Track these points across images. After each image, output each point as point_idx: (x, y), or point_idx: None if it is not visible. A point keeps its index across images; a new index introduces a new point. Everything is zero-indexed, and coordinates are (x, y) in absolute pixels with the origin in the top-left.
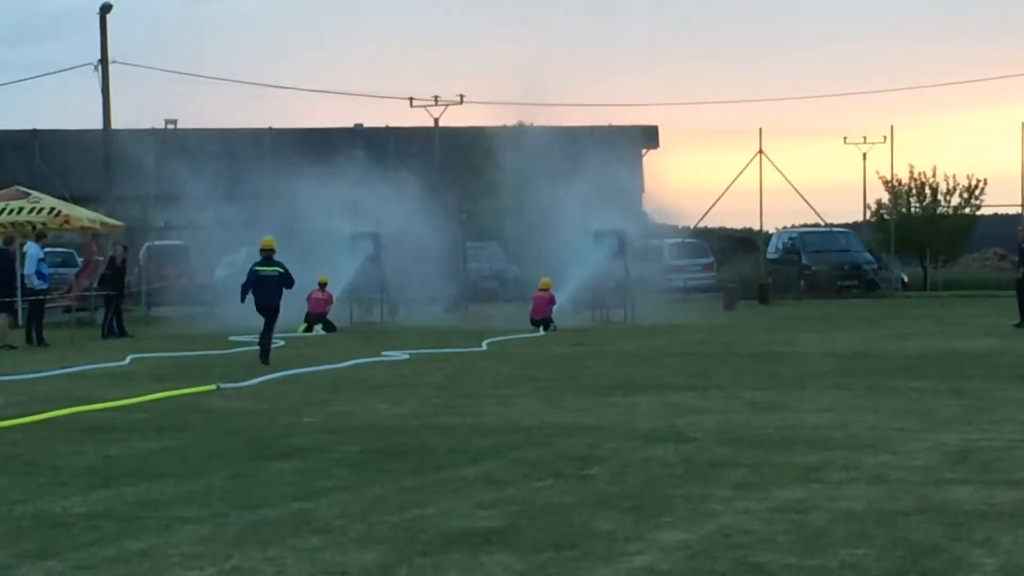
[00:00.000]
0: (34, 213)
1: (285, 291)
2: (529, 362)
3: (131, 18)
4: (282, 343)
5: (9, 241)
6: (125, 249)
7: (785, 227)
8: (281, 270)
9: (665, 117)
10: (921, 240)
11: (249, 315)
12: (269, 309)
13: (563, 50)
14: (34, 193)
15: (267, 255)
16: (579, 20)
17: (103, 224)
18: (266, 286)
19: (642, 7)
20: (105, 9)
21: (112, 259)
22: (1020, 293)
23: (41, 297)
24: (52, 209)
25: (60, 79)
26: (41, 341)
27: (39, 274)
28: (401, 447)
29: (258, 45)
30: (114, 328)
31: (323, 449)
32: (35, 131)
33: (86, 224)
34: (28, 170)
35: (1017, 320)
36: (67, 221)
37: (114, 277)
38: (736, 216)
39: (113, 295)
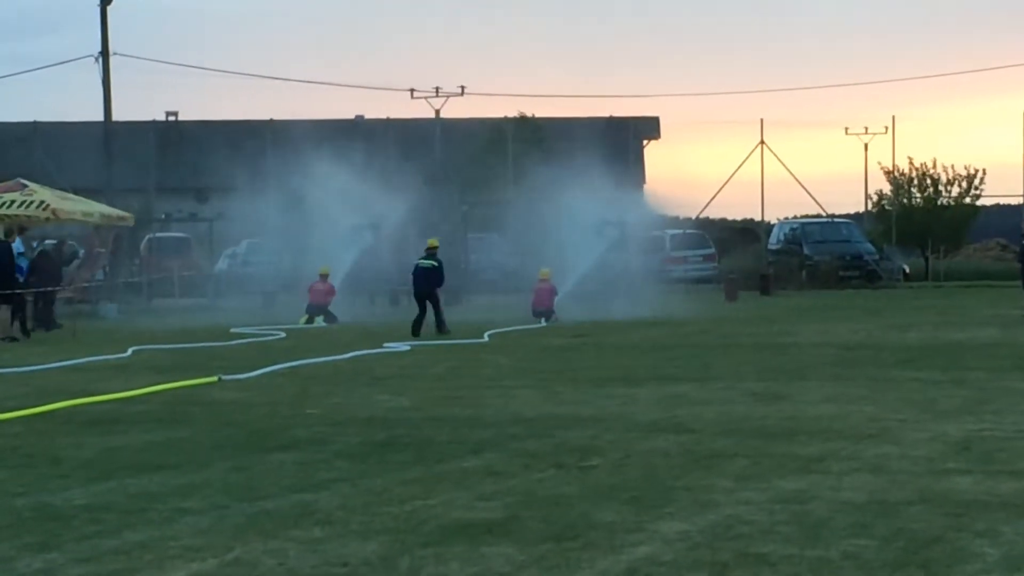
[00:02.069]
0: (24, 207)
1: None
2: (530, 354)
3: (131, 10)
4: (283, 335)
5: (9, 232)
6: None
7: (786, 218)
8: (435, 263)
9: (666, 108)
10: (922, 231)
11: (247, 309)
12: (422, 294)
13: (564, 41)
14: (32, 185)
15: (430, 252)
16: (580, 10)
17: (103, 216)
18: (421, 276)
19: None
20: (105, 1)
21: (47, 254)
22: None
23: (20, 291)
24: (41, 203)
25: (61, 71)
26: (26, 333)
27: (16, 267)
28: (402, 439)
29: (258, 37)
30: (47, 321)
31: (324, 441)
32: (36, 124)
33: (76, 219)
34: (29, 163)
35: None
36: (55, 215)
37: (53, 272)
38: (737, 207)
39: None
